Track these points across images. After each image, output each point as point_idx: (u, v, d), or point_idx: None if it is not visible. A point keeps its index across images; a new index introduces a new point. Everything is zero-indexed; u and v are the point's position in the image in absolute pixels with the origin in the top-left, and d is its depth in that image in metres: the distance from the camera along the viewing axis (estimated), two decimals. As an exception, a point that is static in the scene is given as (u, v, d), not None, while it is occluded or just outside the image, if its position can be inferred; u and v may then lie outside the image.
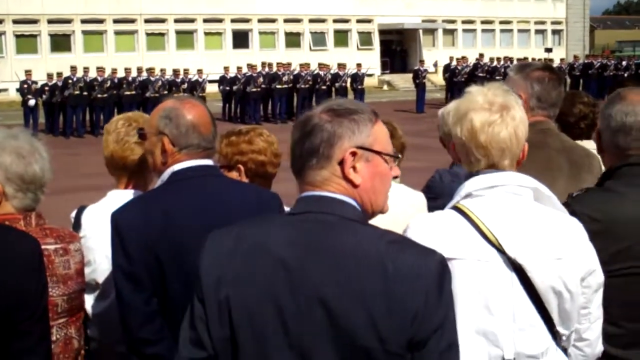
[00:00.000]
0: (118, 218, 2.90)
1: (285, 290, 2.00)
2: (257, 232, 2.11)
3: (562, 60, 41.38)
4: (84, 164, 17.78)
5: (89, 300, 3.39)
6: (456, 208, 2.52)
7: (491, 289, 2.43)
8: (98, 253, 3.36)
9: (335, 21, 49.08)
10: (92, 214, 3.47)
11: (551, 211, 2.55)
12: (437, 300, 1.97)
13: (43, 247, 2.75)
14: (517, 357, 2.44)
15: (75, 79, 27.66)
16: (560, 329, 2.50)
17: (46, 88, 27.29)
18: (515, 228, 2.45)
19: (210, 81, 31.23)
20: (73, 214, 3.54)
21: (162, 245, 2.83)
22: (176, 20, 43.77)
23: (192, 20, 44.34)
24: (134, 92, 28.55)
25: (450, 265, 2.14)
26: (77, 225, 3.47)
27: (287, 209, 3.42)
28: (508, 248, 2.42)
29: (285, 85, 31.56)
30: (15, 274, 2.44)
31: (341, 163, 2.08)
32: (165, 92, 28.69)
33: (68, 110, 27.30)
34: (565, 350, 2.58)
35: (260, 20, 46.47)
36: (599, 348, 2.69)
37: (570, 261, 2.45)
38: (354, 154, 2.08)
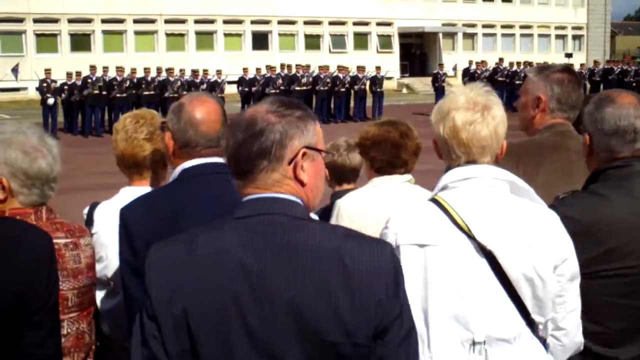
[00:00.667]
0: (125, 213, 2.91)
1: (248, 295, 1.97)
2: (211, 239, 2.05)
3: (582, 65, 41.26)
4: (101, 163, 17.81)
5: (99, 296, 3.38)
6: (433, 200, 2.65)
7: (462, 274, 2.53)
8: (110, 249, 3.34)
9: (355, 24, 49.08)
10: (104, 211, 3.46)
11: (525, 202, 2.66)
12: (396, 289, 2.03)
13: (55, 241, 2.77)
14: (488, 340, 2.54)
15: (94, 79, 27.80)
16: (535, 316, 2.59)
17: (65, 87, 27.42)
18: (487, 216, 2.56)
19: (229, 82, 31.28)
20: (85, 211, 3.55)
21: None
22: (196, 21, 43.92)
23: (212, 21, 44.47)
24: (152, 92, 28.67)
25: (423, 251, 2.44)
26: (89, 221, 3.46)
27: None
28: (478, 234, 2.53)
29: (304, 87, 31.59)
30: (26, 267, 2.44)
31: (290, 163, 2.08)
32: (184, 92, 28.76)
33: (87, 109, 27.45)
34: (544, 341, 2.67)
35: (280, 22, 46.55)
36: (578, 338, 2.76)
37: (542, 249, 2.56)
38: (304, 154, 2.09)
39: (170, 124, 3.00)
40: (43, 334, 2.49)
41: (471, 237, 2.54)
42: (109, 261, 3.37)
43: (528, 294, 2.55)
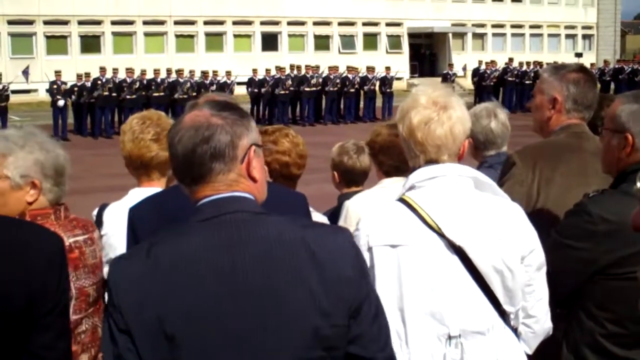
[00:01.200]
0: (133, 212, 2.95)
1: (223, 294, 1.98)
2: (174, 245, 2.04)
3: (592, 65, 41.00)
4: (111, 165, 17.82)
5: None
6: (401, 200, 2.70)
7: (435, 271, 2.60)
8: (119, 251, 3.33)
9: (364, 24, 49.06)
10: (113, 212, 3.47)
11: (490, 197, 2.74)
12: (360, 269, 2.14)
13: (74, 239, 2.91)
14: (463, 334, 2.62)
15: (104, 80, 27.85)
16: (506, 307, 2.68)
17: (75, 89, 27.48)
18: (455, 213, 2.63)
19: (239, 83, 31.31)
20: (95, 212, 3.55)
21: None
22: (205, 22, 43.97)
23: (221, 23, 44.52)
24: (162, 94, 28.73)
25: (396, 251, 2.55)
26: (98, 222, 3.48)
27: (313, 211, 3.42)
28: (448, 232, 2.60)
29: (314, 88, 31.56)
30: (37, 269, 2.46)
31: (242, 162, 2.11)
32: (194, 93, 28.83)
33: (96, 111, 27.52)
34: (516, 330, 2.77)
35: (289, 23, 46.56)
36: (547, 324, 2.88)
37: (509, 241, 2.64)
38: (254, 151, 2.14)
39: None
40: (53, 336, 2.51)
41: (441, 235, 2.60)
42: (118, 262, 3.37)
43: (498, 285, 2.64)
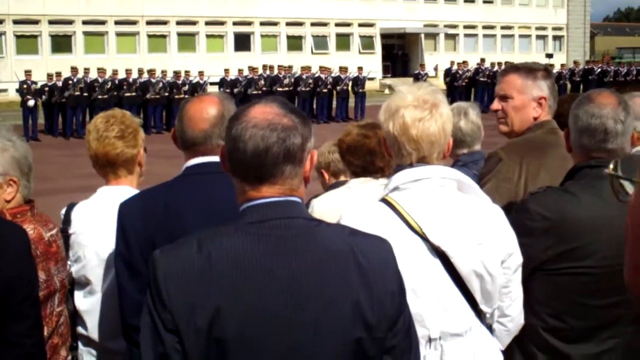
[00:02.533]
0: (121, 208, 2.95)
1: (278, 303, 1.96)
2: (224, 245, 2.00)
3: (562, 65, 41.36)
4: (83, 165, 17.67)
5: (78, 297, 3.37)
6: (384, 200, 2.70)
7: (417, 274, 2.59)
8: (88, 249, 3.35)
9: (337, 25, 49.08)
10: (82, 211, 3.47)
11: (473, 199, 2.75)
12: (400, 283, 2.14)
13: (49, 233, 2.98)
14: (443, 336, 2.65)
15: (75, 80, 27.63)
16: (483, 307, 2.72)
17: (46, 89, 27.22)
18: (439, 217, 2.64)
19: (212, 83, 31.16)
20: (63, 211, 3.54)
21: (159, 236, 2.82)
22: (178, 22, 43.77)
23: (193, 23, 44.34)
24: (134, 94, 28.53)
25: None
26: (66, 221, 3.47)
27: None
28: (431, 236, 2.61)
29: (286, 88, 31.51)
30: (12, 259, 2.51)
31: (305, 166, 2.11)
32: (166, 94, 28.74)
33: (68, 111, 27.26)
34: (490, 327, 2.82)
35: (262, 23, 46.47)
36: (521, 322, 2.92)
37: (490, 246, 2.67)
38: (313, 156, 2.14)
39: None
40: (29, 324, 2.57)
41: (424, 238, 2.61)
42: (87, 261, 3.38)
43: (477, 288, 2.67)
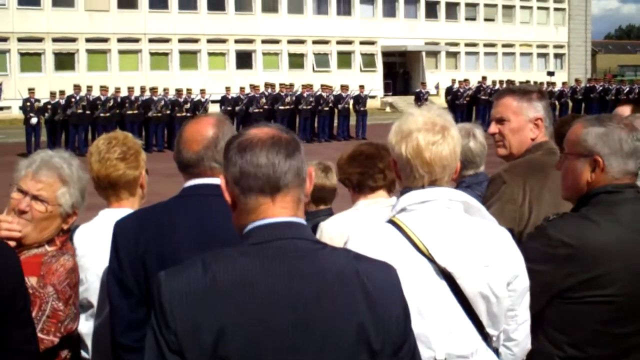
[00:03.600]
0: (117, 226, 2.98)
1: (284, 324, 1.96)
2: (233, 266, 2.00)
3: (564, 84, 41.37)
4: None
5: (80, 320, 3.37)
6: (391, 222, 2.69)
7: (423, 295, 2.59)
8: (90, 272, 3.36)
9: (338, 43, 49.25)
10: (83, 234, 3.48)
11: (479, 221, 2.75)
12: (405, 307, 2.15)
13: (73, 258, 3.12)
14: (449, 358, 2.63)
15: (78, 98, 27.68)
16: (489, 330, 2.70)
17: (49, 106, 27.28)
18: (446, 239, 2.63)
19: (213, 101, 31.22)
20: (65, 234, 3.54)
21: (150, 255, 2.85)
22: (180, 40, 43.95)
23: (195, 41, 44.51)
24: (136, 112, 28.59)
25: None
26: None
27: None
28: (438, 258, 2.60)
29: (288, 107, 31.55)
30: (16, 270, 2.61)
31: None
32: (168, 111, 28.79)
33: (70, 129, 27.33)
34: (496, 350, 2.78)
35: (263, 41, 46.63)
36: (528, 346, 2.89)
37: (497, 268, 2.65)
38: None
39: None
40: (30, 331, 2.67)
41: (431, 260, 2.61)
42: (90, 284, 3.38)
43: (484, 310, 2.66)
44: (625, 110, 5.01)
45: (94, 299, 3.38)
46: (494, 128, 3.80)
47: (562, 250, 2.87)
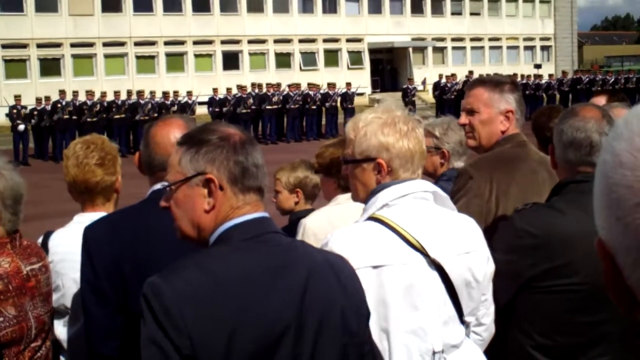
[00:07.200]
0: (87, 232, 2.92)
1: (286, 312, 2.02)
2: (230, 264, 2.02)
3: (550, 76, 41.47)
4: (73, 188, 17.71)
5: (58, 326, 3.35)
6: (374, 218, 2.67)
7: (418, 289, 2.61)
8: (66, 278, 3.34)
9: (325, 41, 49.18)
10: (59, 239, 3.45)
11: (450, 211, 2.82)
12: (364, 292, 2.27)
13: (30, 267, 2.87)
14: (445, 349, 2.67)
15: (64, 103, 27.61)
16: (467, 318, 2.76)
17: (35, 113, 27.25)
18: (431, 230, 2.66)
19: (200, 103, 31.21)
20: (40, 240, 3.51)
21: (126, 260, 2.80)
22: (166, 43, 43.80)
23: (182, 43, 44.38)
24: (123, 116, 28.55)
25: (377, 272, 2.52)
26: (44, 250, 3.43)
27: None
28: (430, 250, 2.62)
29: (275, 106, 31.55)
30: None
31: None
32: (155, 114, 28.72)
33: (57, 134, 27.27)
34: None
35: (250, 42, 46.53)
36: (493, 330, 2.96)
37: (475, 253, 2.73)
38: None
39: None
40: None
41: (423, 253, 2.61)
42: (66, 289, 3.36)
43: (466, 297, 2.71)
44: (600, 100, 5.01)
45: (71, 304, 3.36)
46: (464, 119, 3.78)
47: (527, 240, 2.92)
